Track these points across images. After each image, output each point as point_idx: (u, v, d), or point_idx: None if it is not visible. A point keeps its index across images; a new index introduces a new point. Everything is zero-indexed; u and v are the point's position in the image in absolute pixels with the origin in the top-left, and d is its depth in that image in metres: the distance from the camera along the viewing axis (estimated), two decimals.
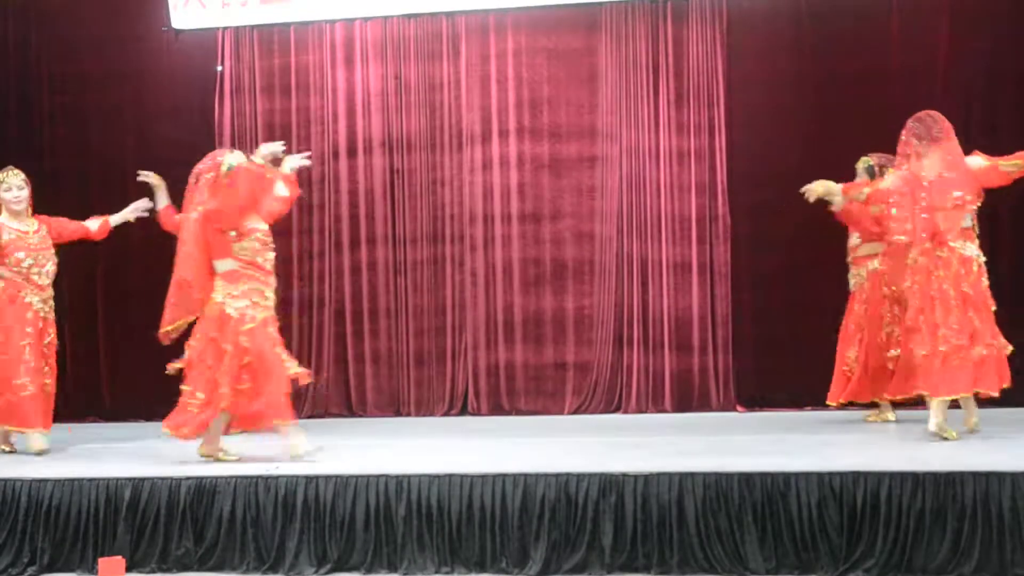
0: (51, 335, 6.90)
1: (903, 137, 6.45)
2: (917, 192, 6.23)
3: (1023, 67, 8.25)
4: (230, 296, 6.05)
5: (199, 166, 6.21)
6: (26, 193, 6.87)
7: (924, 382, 6.20)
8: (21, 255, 6.77)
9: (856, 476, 5.06)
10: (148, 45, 9.39)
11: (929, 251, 6.19)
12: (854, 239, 7.52)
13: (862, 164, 7.58)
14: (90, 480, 5.69)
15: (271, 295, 6.23)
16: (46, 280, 6.87)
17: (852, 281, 7.55)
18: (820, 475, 5.10)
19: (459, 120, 9.05)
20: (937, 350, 6.11)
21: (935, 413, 6.11)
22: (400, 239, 9.09)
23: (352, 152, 9.16)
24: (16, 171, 6.91)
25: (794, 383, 8.27)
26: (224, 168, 6.07)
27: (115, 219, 7.16)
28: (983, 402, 8.04)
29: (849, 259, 7.58)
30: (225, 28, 9.31)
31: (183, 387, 6.09)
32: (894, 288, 6.92)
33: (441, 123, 9.08)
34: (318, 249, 9.19)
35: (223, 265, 6.10)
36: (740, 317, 8.61)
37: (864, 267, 7.42)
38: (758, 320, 8.49)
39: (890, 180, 6.47)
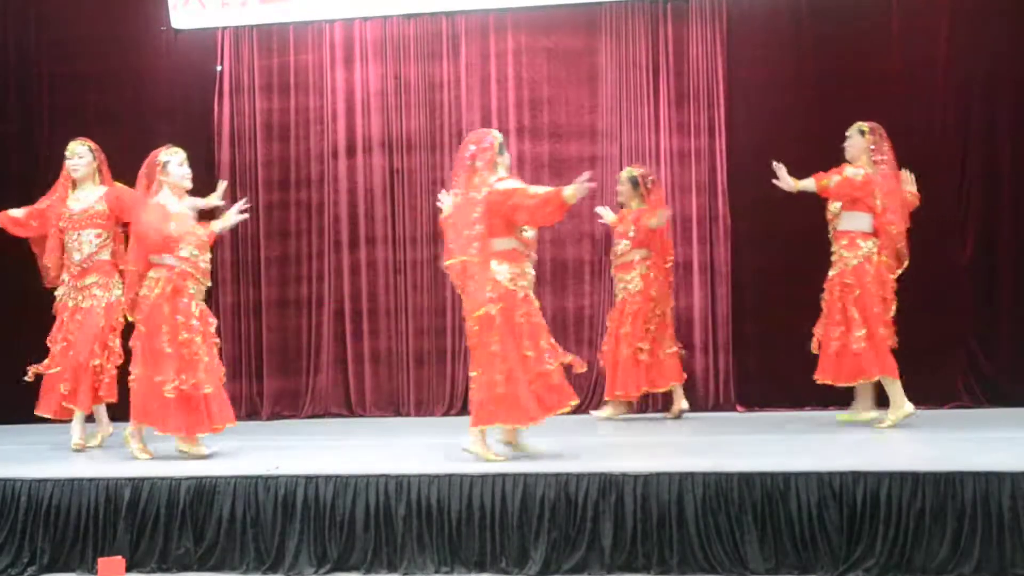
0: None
1: (878, 140, 7.17)
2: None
3: (1023, 67, 8.25)
4: (516, 276, 5.93)
5: (471, 148, 5.98)
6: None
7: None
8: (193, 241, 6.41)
9: (856, 476, 5.07)
10: (147, 45, 9.38)
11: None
12: (623, 245, 7.99)
13: (626, 174, 8.11)
14: (90, 480, 5.70)
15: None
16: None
17: (621, 286, 8.04)
18: (820, 475, 5.10)
19: (459, 120, 9.04)
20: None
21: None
22: (400, 239, 9.08)
23: (352, 152, 9.16)
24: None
25: (794, 383, 8.26)
26: (497, 145, 5.99)
27: (218, 227, 6.64)
28: (983, 401, 8.09)
29: (616, 264, 8.10)
30: (224, 28, 9.29)
31: (472, 373, 5.91)
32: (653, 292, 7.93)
33: (441, 123, 9.08)
34: (317, 249, 9.19)
35: (504, 244, 5.95)
36: (740, 317, 8.60)
37: (636, 270, 7.95)
38: (759, 320, 8.49)
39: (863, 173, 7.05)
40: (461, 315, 8.87)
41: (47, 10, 9.42)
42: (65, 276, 7.06)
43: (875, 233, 7.06)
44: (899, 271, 7.13)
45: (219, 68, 9.31)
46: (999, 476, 4.95)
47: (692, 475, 5.20)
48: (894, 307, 7.08)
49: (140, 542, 5.59)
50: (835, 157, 8.17)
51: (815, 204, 7.95)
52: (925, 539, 4.98)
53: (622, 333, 7.93)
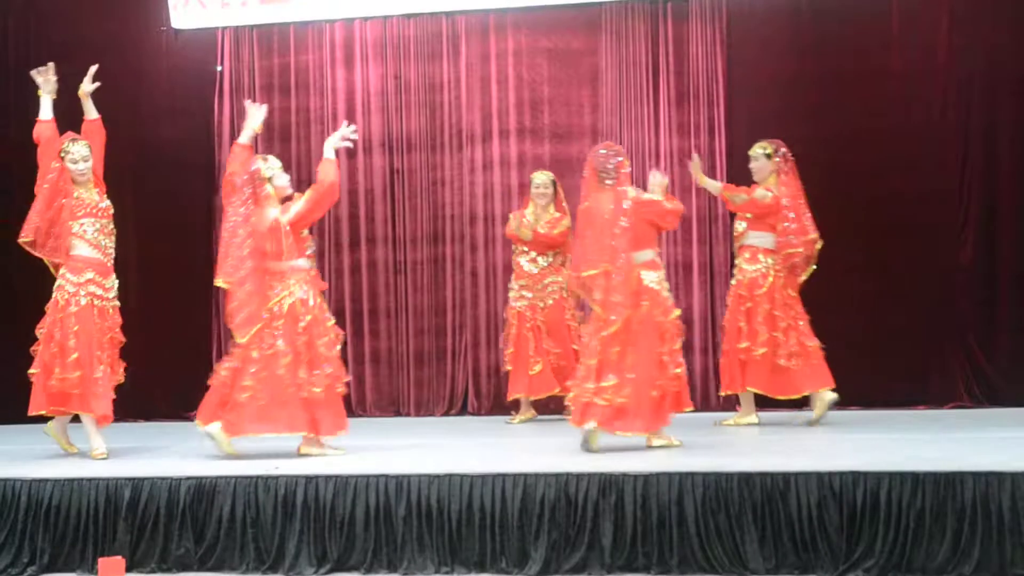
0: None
1: (782, 160, 7.33)
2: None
3: (1023, 67, 8.25)
4: (661, 281, 6.21)
5: (611, 162, 6.21)
6: None
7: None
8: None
9: (856, 476, 5.06)
10: (147, 45, 9.38)
11: None
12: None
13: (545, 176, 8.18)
14: (90, 480, 5.69)
15: None
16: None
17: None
18: (820, 475, 5.10)
19: (459, 120, 9.05)
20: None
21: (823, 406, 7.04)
22: (400, 239, 9.09)
23: (352, 152, 9.14)
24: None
25: None
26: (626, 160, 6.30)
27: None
28: (983, 401, 8.09)
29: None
30: (224, 28, 9.30)
31: (610, 381, 6.03)
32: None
33: (441, 123, 9.08)
34: (318, 249, 9.13)
35: (647, 255, 6.20)
36: None
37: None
38: None
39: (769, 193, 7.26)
40: (461, 315, 8.96)
41: (47, 10, 9.41)
42: (91, 273, 6.55)
43: (777, 251, 7.27)
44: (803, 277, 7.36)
45: (219, 68, 9.32)
46: (999, 476, 4.95)
47: (692, 475, 5.20)
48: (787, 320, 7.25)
49: (140, 542, 5.59)
50: (835, 157, 8.21)
51: (813, 206, 7.95)
52: (925, 539, 4.97)
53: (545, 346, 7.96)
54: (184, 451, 6.44)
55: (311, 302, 6.27)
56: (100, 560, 5.42)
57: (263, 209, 6.28)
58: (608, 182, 6.18)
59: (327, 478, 5.50)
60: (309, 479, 5.51)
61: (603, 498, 5.23)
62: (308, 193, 6.33)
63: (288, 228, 6.23)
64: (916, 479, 5.01)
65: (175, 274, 9.17)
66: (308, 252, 6.44)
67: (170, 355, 9.01)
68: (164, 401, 9.06)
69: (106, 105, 9.32)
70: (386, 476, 5.46)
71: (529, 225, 7.95)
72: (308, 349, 6.19)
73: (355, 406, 9.04)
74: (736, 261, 7.45)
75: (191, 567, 5.54)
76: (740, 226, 7.46)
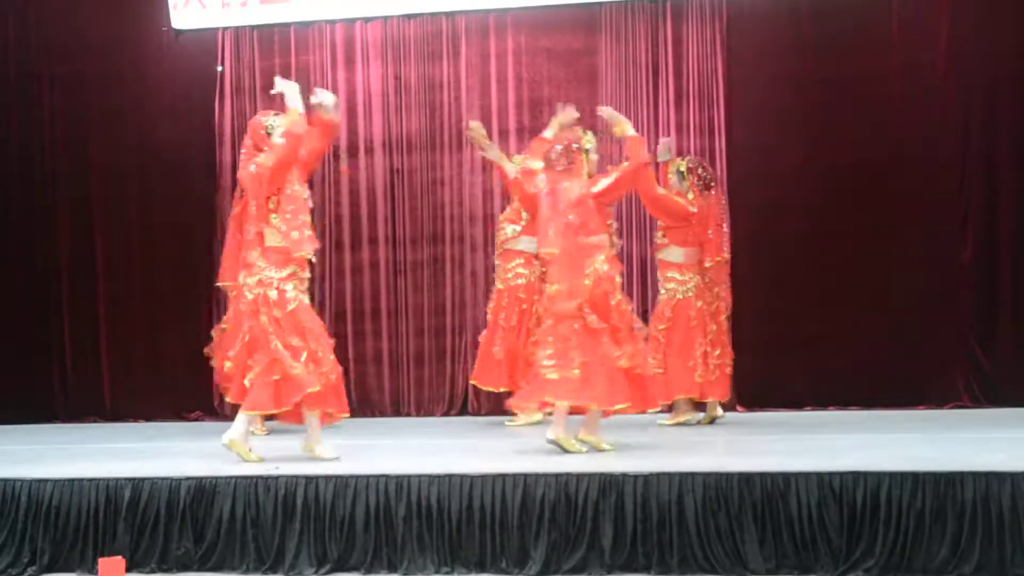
0: None
1: None
2: None
3: (1023, 67, 8.24)
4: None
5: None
6: None
7: None
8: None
9: (856, 476, 5.06)
10: (148, 45, 9.39)
11: None
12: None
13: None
14: (90, 480, 5.69)
15: None
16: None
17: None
18: (820, 475, 5.10)
19: (459, 120, 9.04)
20: None
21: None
22: (400, 239, 9.09)
23: (353, 152, 9.17)
24: None
25: (794, 383, 8.27)
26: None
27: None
28: (983, 401, 8.09)
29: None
30: (225, 28, 9.30)
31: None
32: None
33: (441, 123, 9.09)
34: (319, 250, 9.18)
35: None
36: (740, 317, 8.59)
37: None
38: (758, 320, 8.47)
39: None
40: (461, 315, 8.96)
41: (47, 10, 9.42)
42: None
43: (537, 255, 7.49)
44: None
45: (220, 69, 9.32)
46: (999, 476, 4.95)
47: (692, 475, 5.20)
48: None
49: (140, 542, 5.59)
50: (834, 157, 8.20)
51: (814, 206, 7.98)
52: (925, 539, 4.97)
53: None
54: (184, 451, 6.43)
55: (617, 279, 6.11)
56: (100, 560, 5.42)
57: (572, 180, 6.16)
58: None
59: (327, 478, 5.50)
60: (309, 479, 5.51)
61: (603, 498, 5.23)
62: (619, 170, 6.30)
63: (593, 202, 6.12)
64: (916, 479, 5.00)
65: (177, 274, 9.18)
66: (612, 229, 6.52)
67: (172, 355, 9.03)
68: (165, 401, 9.06)
69: (107, 106, 9.39)
70: (386, 476, 5.46)
71: None
72: (620, 325, 6.10)
73: (356, 406, 9.03)
74: (509, 265, 7.89)
75: (191, 567, 5.54)
76: (511, 230, 7.91)
